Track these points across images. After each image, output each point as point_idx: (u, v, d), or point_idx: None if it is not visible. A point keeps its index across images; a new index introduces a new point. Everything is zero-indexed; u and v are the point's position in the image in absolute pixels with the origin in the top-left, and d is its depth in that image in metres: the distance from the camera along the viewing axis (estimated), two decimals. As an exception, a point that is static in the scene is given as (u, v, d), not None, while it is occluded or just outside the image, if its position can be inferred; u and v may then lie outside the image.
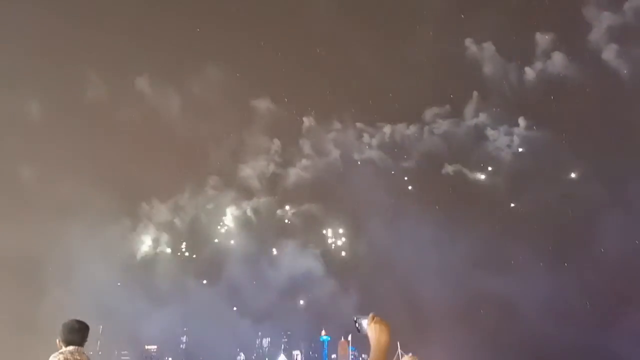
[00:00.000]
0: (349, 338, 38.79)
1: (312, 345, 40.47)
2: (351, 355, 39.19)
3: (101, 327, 35.79)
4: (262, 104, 36.46)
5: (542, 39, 35.02)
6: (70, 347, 4.08)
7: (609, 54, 33.29)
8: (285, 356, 38.93)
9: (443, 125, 36.38)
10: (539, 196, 33.29)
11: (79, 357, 4.07)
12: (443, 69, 36.03)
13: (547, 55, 35.00)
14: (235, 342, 37.42)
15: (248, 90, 36.43)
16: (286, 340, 40.35)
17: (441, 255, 33.24)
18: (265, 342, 40.96)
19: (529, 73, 35.33)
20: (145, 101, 35.23)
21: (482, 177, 35.58)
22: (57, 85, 34.07)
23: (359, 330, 2.86)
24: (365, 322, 2.85)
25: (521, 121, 35.38)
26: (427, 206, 33.82)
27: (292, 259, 35.52)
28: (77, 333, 4.14)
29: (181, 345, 39.91)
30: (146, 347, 38.61)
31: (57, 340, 4.16)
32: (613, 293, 30.17)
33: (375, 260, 35.21)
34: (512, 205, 34.72)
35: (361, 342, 33.25)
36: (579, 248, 31.85)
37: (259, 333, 39.54)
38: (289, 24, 36.65)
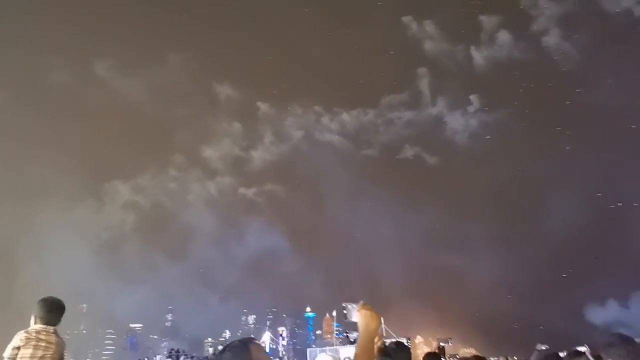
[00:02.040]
0: (334, 314, 39.28)
1: (297, 321, 40.87)
2: (335, 330, 39.74)
3: (85, 306, 35.72)
4: (223, 90, 36.98)
5: (488, 21, 35.57)
6: (37, 327, 3.97)
7: (552, 38, 34.29)
8: (271, 333, 39.33)
9: (401, 113, 37.20)
10: (491, 176, 34.21)
11: (44, 337, 3.95)
12: (395, 55, 37.02)
13: (492, 38, 35.68)
14: (221, 320, 37.68)
15: (210, 76, 36.93)
16: (271, 317, 40.70)
17: (398, 233, 34.65)
18: (251, 319, 41.29)
19: (477, 55, 36.04)
20: (108, 85, 35.48)
21: (439, 159, 36.46)
22: (19, 70, 34.36)
23: (346, 317, 2.87)
24: (354, 309, 2.90)
25: (474, 103, 36.07)
26: (387, 187, 34.85)
27: (257, 236, 36.04)
28: (56, 311, 4.06)
29: (167, 323, 40.05)
30: (131, 325, 38.67)
31: (33, 316, 4.08)
32: (555, 269, 31.67)
33: (336, 237, 36.46)
34: (466, 185, 35.76)
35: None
36: (526, 226, 33.13)
37: (244, 310, 39.86)
38: (247, 14, 37.32)
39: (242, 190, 37.30)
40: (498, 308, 30.90)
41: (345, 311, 2.88)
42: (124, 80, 35.19)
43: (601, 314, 30.11)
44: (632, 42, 30.82)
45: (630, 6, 31.18)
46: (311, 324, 41.46)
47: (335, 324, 40.27)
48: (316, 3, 37.19)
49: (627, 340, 2.56)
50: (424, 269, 33.31)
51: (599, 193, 31.61)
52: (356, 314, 2.83)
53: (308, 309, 40.46)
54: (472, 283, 31.83)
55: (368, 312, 2.67)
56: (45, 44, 34.37)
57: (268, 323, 40.26)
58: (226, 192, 37.49)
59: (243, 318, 41.14)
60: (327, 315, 40.14)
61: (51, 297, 4.08)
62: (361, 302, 2.82)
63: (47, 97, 35.24)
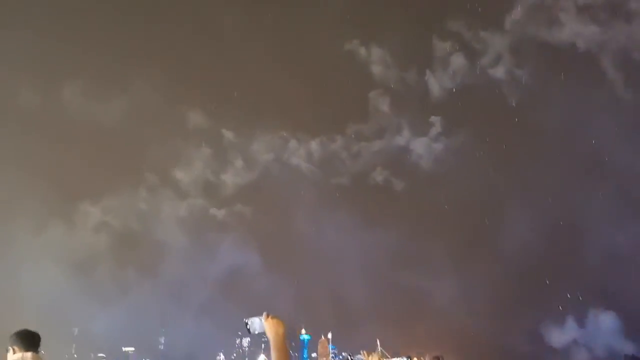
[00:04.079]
0: (329, 336, 38.83)
1: (293, 344, 40.37)
2: (331, 353, 39.25)
3: (76, 329, 35.25)
4: (192, 115, 37.29)
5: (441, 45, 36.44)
6: (29, 354, 3.85)
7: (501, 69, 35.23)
8: (266, 356, 38.77)
9: (367, 142, 37.52)
10: (452, 197, 34.97)
11: None
12: (351, 80, 37.57)
13: (446, 61, 36.34)
14: (215, 342, 37.30)
15: (178, 101, 37.25)
16: (266, 339, 40.05)
17: (363, 254, 35.23)
18: (245, 341, 40.74)
19: (433, 80, 36.62)
20: (77, 106, 35.19)
21: (405, 184, 36.79)
22: None
23: (249, 332, 3.05)
24: (257, 321, 3.11)
25: (435, 127, 36.56)
26: (353, 209, 35.21)
27: (229, 255, 35.92)
28: (36, 342, 3.98)
29: (160, 346, 39.47)
30: (124, 349, 38.11)
31: (10, 349, 3.92)
32: (513, 291, 32.28)
33: (303, 258, 36.61)
34: (427, 206, 36.42)
35: (342, 340, 34.10)
36: (485, 245, 33.75)
37: (239, 333, 39.35)
38: (206, 36, 38.20)
39: (212, 210, 37.56)
40: (459, 327, 31.81)
41: (248, 326, 2.96)
42: (94, 102, 35.29)
43: (559, 335, 31.04)
44: (576, 70, 32.80)
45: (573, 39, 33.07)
46: (306, 346, 40.95)
47: (331, 346, 39.82)
48: (271, 29, 38.05)
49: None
50: (388, 287, 34.42)
51: (553, 212, 32.95)
52: (261, 325, 3.04)
53: (303, 331, 40.02)
54: (434, 302, 32.83)
55: (274, 320, 3.02)
56: (12, 66, 34.64)
57: (263, 346, 39.75)
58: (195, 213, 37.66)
59: (237, 341, 40.60)
60: (323, 337, 39.74)
61: (25, 330, 3.98)
62: (264, 313, 3.05)
63: (14, 118, 35.21)
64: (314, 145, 37.81)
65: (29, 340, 3.82)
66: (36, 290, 31.49)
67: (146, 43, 36.34)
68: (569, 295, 31.38)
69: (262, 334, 3.17)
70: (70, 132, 35.64)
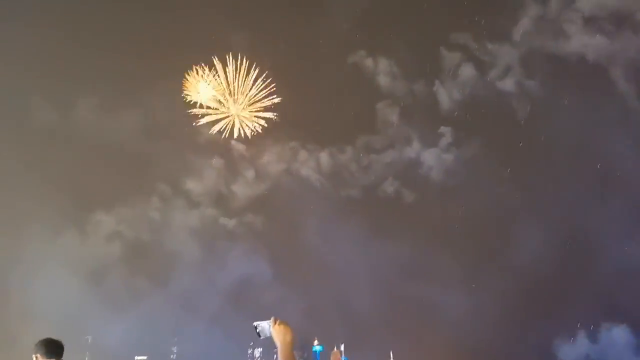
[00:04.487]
0: (342, 348, 38.53)
1: (305, 354, 40.23)
2: (344, 365, 38.93)
3: (90, 338, 35.56)
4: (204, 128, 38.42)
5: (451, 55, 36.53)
6: None
7: (510, 81, 35.47)
8: (277, 366, 38.53)
9: (376, 154, 37.70)
10: (463, 209, 35.16)
11: None
12: (359, 91, 37.69)
13: (455, 72, 36.48)
14: (226, 352, 37.29)
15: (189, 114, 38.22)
16: (277, 350, 39.96)
17: (374, 266, 35.32)
18: (257, 352, 40.62)
19: (442, 90, 36.73)
20: (92, 120, 36.20)
21: (414, 195, 36.85)
22: (1, 106, 35.14)
23: (259, 335, 3.10)
24: (266, 326, 3.07)
25: (445, 138, 36.59)
26: (363, 221, 35.20)
27: (239, 265, 36.01)
28: (60, 350, 4.19)
29: (172, 356, 39.51)
30: (136, 358, 38.21)
31: (34, 356, 4.15)
32: (524, 304, 31.91)
33: (314, 269, 36.28)
34: (438, 218, 36.32)
35: (354, 352, 34.06)
36: (496, 258, 33.30)
37: (251, 343, 39.33)
38: (214, 50, 38.73)
39: (222, 220, 37.96)
40: (471, 340, 31.38)
41: (257, 330, 3.02)
42: (107, 116, 36.14)
43: (571, 350, 30.65)
44: (586, 81, 32.87)
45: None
46: (318, 358, 40.75)
47: (344, 358, 39.43)
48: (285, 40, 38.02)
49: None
50: (399, 299, 34.12)
51: (564, 225, 32.60)
52: (270, 331, 3.02)
53: (315, 342, 39.87)
54: (446, 314, 32.56)
55: (282, 327, 3.05)
56: (30, 84, 35.46)
57: (275, 357, 39.61)
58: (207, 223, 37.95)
59: (249, 351, 40.50)
60: (335, 349, 39.43)
61: (49, 339, 4.17)
62: (272, 318, 3.08)
63: (30, 131, 35.86)
64: (324, 156, 38.11)
65: (53, 348, 4.03)
66: (50, 298, 31.61)
67: (158, 61, 36.82)
68: (581, 310, 30.82)
69: (273, 343, 3.20)
70: (85, 145, 36.40)
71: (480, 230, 35.00)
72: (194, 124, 38.33)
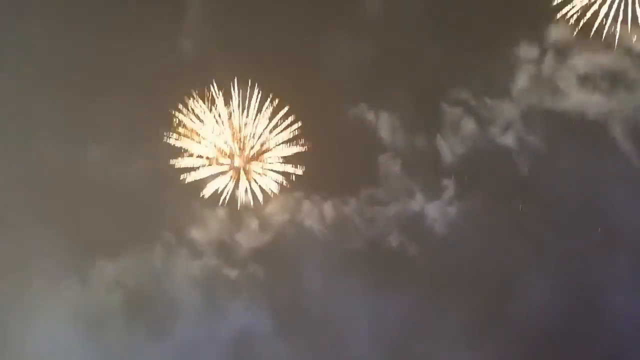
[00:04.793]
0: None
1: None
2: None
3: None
4: None
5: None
6: None
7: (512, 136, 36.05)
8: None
9: (380, 206, 37.46)
10: (466, 264, 34.88)
11: None
12: (360, 144, 37.73)
13: (456, 126, 36.84)
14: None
15: None
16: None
17: (376, 321, 34.90)
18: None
19: (444, 144, 37.09)
20: (99, 167, 36.55)
21: (418, 248, 36.42)
22: (10, 149, 35.60)
23: None
24: None
25: (448, 191, 36.67)
26: (367, 274, 35.16)
27: (240, 316, 35.88)
28: None
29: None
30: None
31: None
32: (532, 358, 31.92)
33: (314, 321, 35.92)
34: (441, 271, 35.84)
35: None
36: (501, 312, 33.19)
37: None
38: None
39: (225, 271, 37.70)
40: None
41: None
42: (115, 164, 36.39)
43: None
44: (588, 138, 33.71)
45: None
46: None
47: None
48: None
49: None
50: (400, 355, 34.05)
51: (570, 280, 32.69)
52: None
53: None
54: None
55: None
56: (41, 130, 35.98)
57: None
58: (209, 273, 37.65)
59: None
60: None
61: None
62: None
63: (37, 176, 35.84)
64: (327, 207, 38.31)
65: None
66: (48, 347, 31.82)
67: (167, 111, 37.70)
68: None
69: None
70: (91, 193, 36.23)
71: (483, 285, 34.70)
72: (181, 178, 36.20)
